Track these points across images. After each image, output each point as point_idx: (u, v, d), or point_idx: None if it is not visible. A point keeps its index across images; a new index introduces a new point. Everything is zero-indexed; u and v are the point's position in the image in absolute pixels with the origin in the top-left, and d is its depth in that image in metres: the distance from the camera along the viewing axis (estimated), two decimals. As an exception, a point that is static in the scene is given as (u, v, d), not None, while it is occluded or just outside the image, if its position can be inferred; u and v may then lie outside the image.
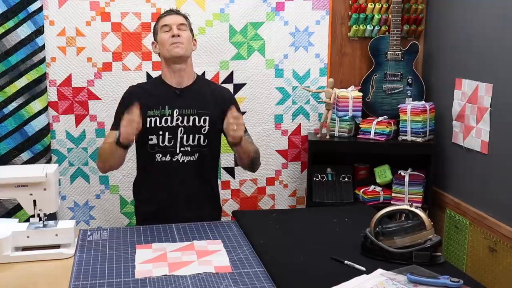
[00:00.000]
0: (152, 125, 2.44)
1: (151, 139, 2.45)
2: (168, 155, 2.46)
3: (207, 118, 2.47)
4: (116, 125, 2.51)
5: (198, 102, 2.47)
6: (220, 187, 2.78)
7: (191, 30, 2.53)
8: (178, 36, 2.42)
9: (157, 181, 2.49)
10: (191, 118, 2.46)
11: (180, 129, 2.45)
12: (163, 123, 2.44)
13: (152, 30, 2.63)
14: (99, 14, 3.13)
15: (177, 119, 2.45)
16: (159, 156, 2.46)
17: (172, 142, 2.45)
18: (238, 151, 2.44)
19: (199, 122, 2.46)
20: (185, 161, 2.47)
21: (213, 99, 2.51)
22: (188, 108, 2.46)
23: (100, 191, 3.27)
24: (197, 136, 2.46)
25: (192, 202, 2.50)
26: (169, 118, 2.45)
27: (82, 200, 3.29)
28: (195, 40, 2.55)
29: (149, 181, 2.52)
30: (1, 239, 1.95)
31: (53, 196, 2.04)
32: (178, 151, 2.46)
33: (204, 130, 2.47)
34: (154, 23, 2.56)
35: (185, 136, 2.46)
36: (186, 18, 2.53)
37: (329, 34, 3.44)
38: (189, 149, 2.47)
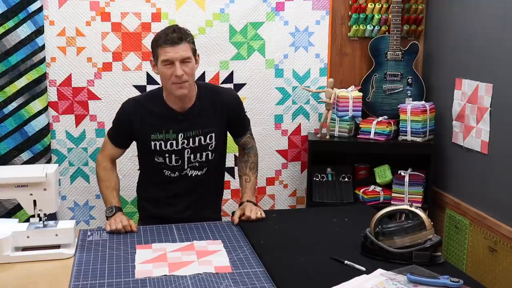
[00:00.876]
0: (158, 148, 2.40)
1: (158, 158, 2.42)
2: (177, 172, 2.44)
3: (213, 134, 2.43)
4: (113, 134, 2.50)
5: (202, 121, 2.40)
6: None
7: (194, 50, 2.32)
8: (182, 75, 2.25)
9: (163, 191, 2.48)
10: (197, 138, 2.41)
11: (186, 150, 2.41)
12: (168, 147, 2.40)
13: (151, 48, 2.39)
14: (99, 14, 3.13)
15: (183, 143, 2.40)
16: (167, 172, 2.44)
17: (180, 162, 2.42)
18: None
19: (205, 140, 2.42)
20: (193, 175, 2.45)
21: (216, 111, 2.44)
22: (192, 130, 2.39)
23: (100, 191, 3.27)
24: (204, 153, 2.44)
25: (197, 208, 2.49)
26: (174, 142, 2.39)
27: (82, 200, 3.29)
28: (198, 55, 2.37)
29: (155, 189, 2.51)
30: (1, 239, 1.95)
31: (53, 196, 2.04)
32: (186, 167, 2.44)
33: (211, 147, 2.44)
34: (152, 43, 2.32)
35: (192, 155, 2.42)
36: (189, 41, 2.28)
37: (329, 34, 3.44)
38: (197, 164, 2.44)
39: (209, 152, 2.44)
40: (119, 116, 2.48)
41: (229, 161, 3.39)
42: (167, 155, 2.40)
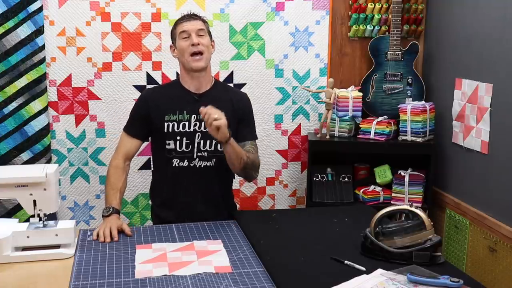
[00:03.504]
0: (170, 130, 2.44)
1: (169, 144, 2.45)
2: (186, 160, 2.45)
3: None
4: (129, 125, 2.52)
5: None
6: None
7: (210, 33, 2.49)
8: (198, 44, 2.39)
9: (174, 186, 2.48)
10: None
11: (197, 134, 2.44)
12: (180, 128, 2.44)
13: (170, 34, 2.54)
14: (99, 14, 3.13)
15: (195, 125, 2.44)
16: (176, 161, 2.45)
17: (190, 148, 2.45)
18: (228, 152, 2.35)
19: None
20: (202, 166, 2.47)
21: (231, 106, 2.48)
22: None
23: (100, 191, 3.27)
24: (214, 141, 2.45)
25: (211, 205, 2.49)
26: (186, 123, 2.44)
27: (82, 200, 3.29)
28: (213, 41, 2.52)
29: (166, 186, 2.51)
30: (1, 239, 1.95)
31: (53, 196, 2.04)
32: (195, 156, 2.46)
33: None
34: (172, 26, 2.52)
35: (202, 141, 2.45)
36: (204, 21, 2.49)
37: (329, 34, 3.44)
38: (206, 154, 2.46)
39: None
40: (137, 104, 2.54)
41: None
42: (178, 137, 2.43)
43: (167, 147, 2.45)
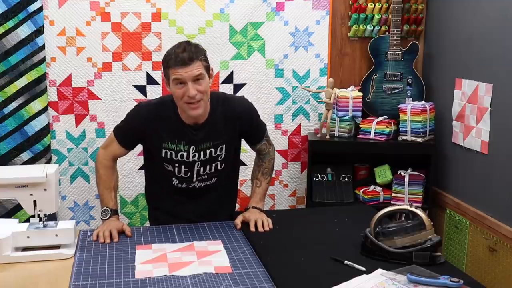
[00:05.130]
0: (168, 156, 2.34)
1: (167, 166, 2.36)
2: (185, 183, 2.39)
3: (223, 146, 2.36)
4: (122, 134, 2.38)
5: (214, 134, 2.34)
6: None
7: (207, 67, 2.22)
8: (195, 95, 2.16)
9: (171, 199, 2.44)
10: (208, 151, 2.34)
11: (196, 163, 2.35)
12: (179, 157, 2.33)
13: (162, 66, 2.28)
14: (99, 14, 3.13)
15: (194, 155, 2.33)
16: (175, 181, 2.39)
17: (189, 174, 2.37)
18: None
19: (215, 153, 2.36)
20: (202, 186, 2.41)
21: (228, 122, 2.36)
22: (204, 143, 2.32)
23: (100, 191, 3.27)
24: (214, 164, 2.38)
25: (211, 213, 2.45)
26: (185, 154, 2.32)
27: (82, 200, 3.29)
28: (212, 69, 2.27)
29: (163, 196, 2.47)
30: (1, 239, 1.95)
31: (53, 196, 2.04)
32: (194, 180, 2.39)
33: (221, 158, 2.38)
34: (162, 61, 2.23)
35: (202, 168, 2.37)
36: (201, 59, 2.18)
37: (329, 34, 3.44)
38: (206, 176, 2.40)
39: (219, 163, 2.39)
40: (133, 119, 2.37)
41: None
42: (176, 165, 2.35)
43: (166, 167, 2.37)
